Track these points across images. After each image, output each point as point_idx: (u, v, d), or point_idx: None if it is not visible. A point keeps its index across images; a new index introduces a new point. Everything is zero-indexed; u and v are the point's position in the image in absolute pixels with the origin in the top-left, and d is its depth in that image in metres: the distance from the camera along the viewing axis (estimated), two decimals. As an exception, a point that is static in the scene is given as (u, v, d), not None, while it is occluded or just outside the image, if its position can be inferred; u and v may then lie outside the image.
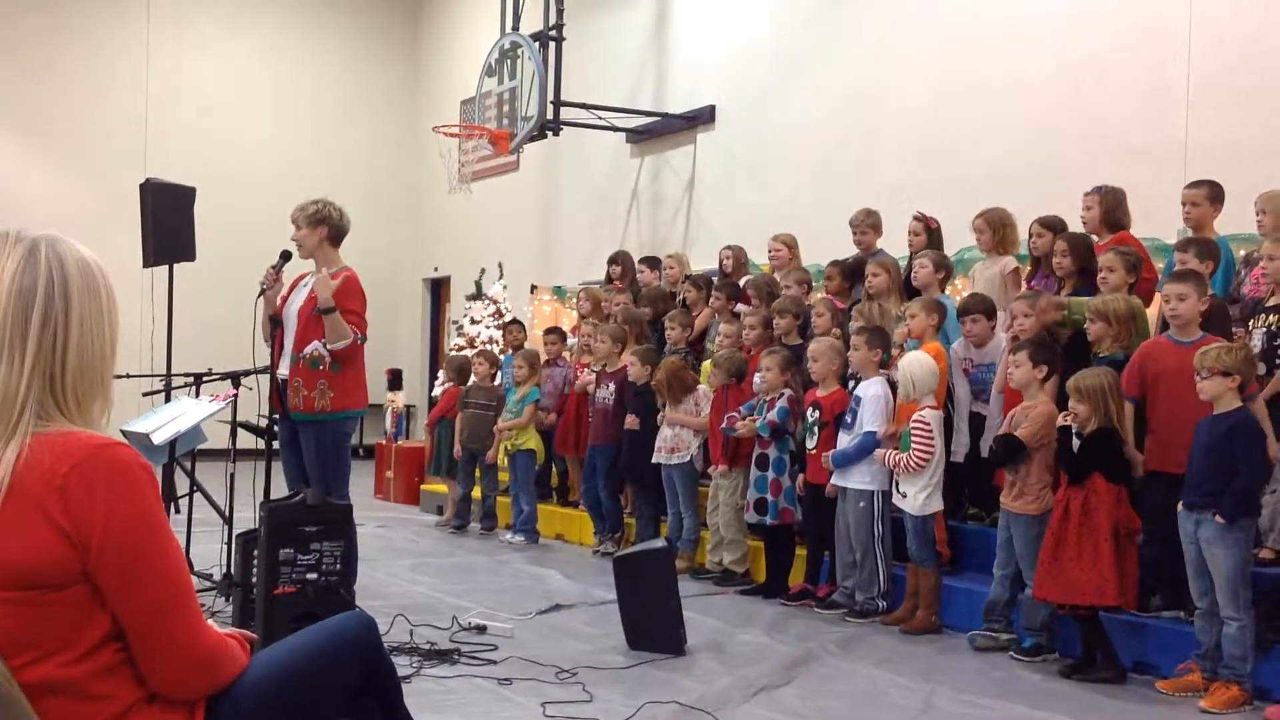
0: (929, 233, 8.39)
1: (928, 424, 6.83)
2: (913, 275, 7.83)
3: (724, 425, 8.03)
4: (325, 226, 6.70)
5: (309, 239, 6.71)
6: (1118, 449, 5.90)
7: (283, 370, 6.64)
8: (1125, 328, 6.27)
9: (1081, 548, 5.80)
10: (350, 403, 6.66)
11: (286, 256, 6.63)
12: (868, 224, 8.88)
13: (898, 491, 6.98)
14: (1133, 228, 7.37)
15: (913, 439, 6.82)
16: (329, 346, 6.47)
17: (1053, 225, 7.55)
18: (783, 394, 7.82)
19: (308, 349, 6.51)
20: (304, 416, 6.57)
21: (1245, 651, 5.33)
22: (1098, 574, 5.75)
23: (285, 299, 6.74)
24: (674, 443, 8.62)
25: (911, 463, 6.80)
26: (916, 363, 6.88)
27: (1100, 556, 5.76)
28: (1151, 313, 6.68)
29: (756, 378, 8.12)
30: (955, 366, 7.30)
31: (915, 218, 8.47)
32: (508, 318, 13.51)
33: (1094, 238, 7.32)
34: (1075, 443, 5.96)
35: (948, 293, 7.96)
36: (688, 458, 8.56)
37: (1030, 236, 7.68)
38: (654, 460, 8.73)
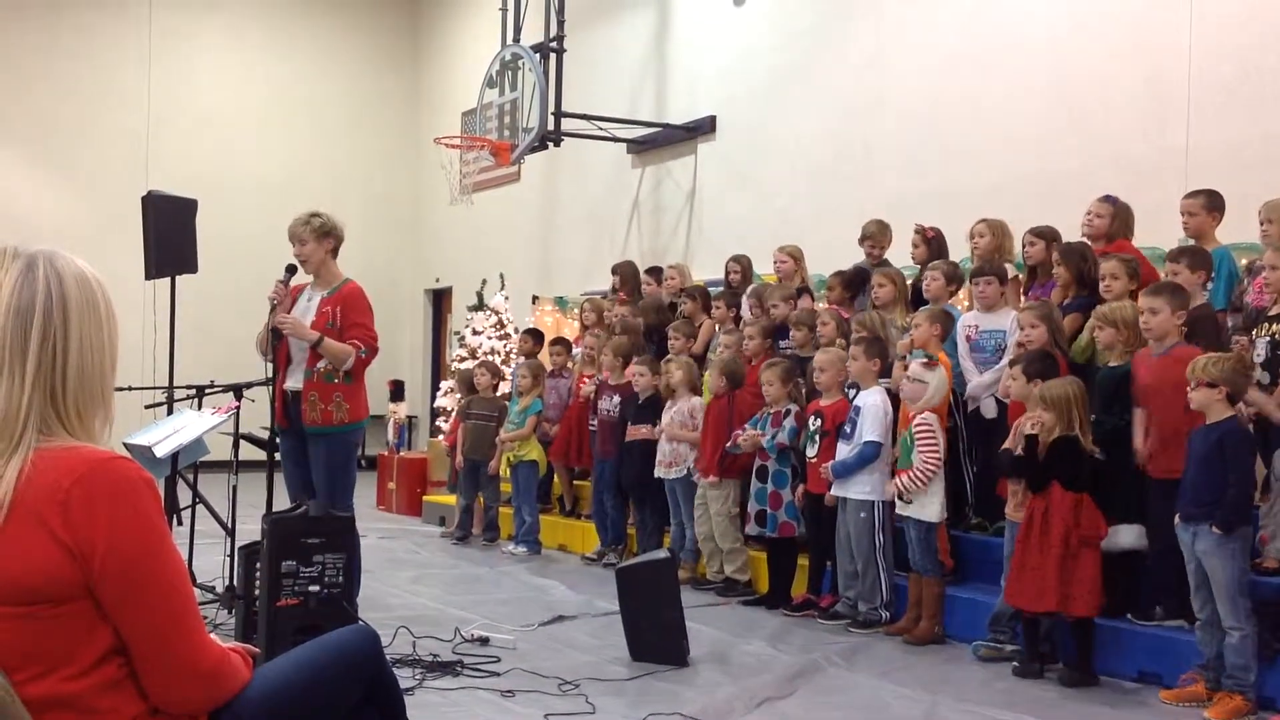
0: (927, 243, 8.42)
1: (930, 425, 6.85)
2: (924, 287, 7.83)
3: (729, 445, 8.02)
4: (331, 239, 6.69)
5: (316, 253, 6.66)
6: (1078, 457, 5.92)
7: (292, 384, 6.60)
8: (1134, 332, 6.28)
9: (1040, 556, 5.86)
10: (361, 414, 6.68)
11: (292, 270, 6.63)
12: (888, 237, 8.89)
13: (902, 500, 6.96)
14: (1133, 238, 7.40)
15: (917, 442, 6.82)
16: (341, 368, 6.48)
17: (1045, 234, 7.59)
18: (789, 410, 7.81)
19: (321, 363, 6.49)
20: (320, 429, 6.55)
21: (1248, 661, 5.32)
22: (1041, 580, 5.81)
23: (289, 313, 6.69)
24: (672, 457, 8.62)
25: (920, 472, 6.79)
26: (941, 374, 6.92)
27: (1046, 563, 5.81)
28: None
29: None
30: (960, 346, 7.36)
31: (915, 229, 8.50)
32: (509, 328, 13.54)
33: (1089, 243, 7.32)
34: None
35: (952, 302, 7.96)
36: (685, 470, 8.56)
37: (1024, 246, 7.71)
38: (656, 475, 8.74)
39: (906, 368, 7.09)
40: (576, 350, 10.91)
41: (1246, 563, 5.47)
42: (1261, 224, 6.62)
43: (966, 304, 8.05)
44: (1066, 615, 5.89)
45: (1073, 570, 5.82)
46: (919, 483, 6.80)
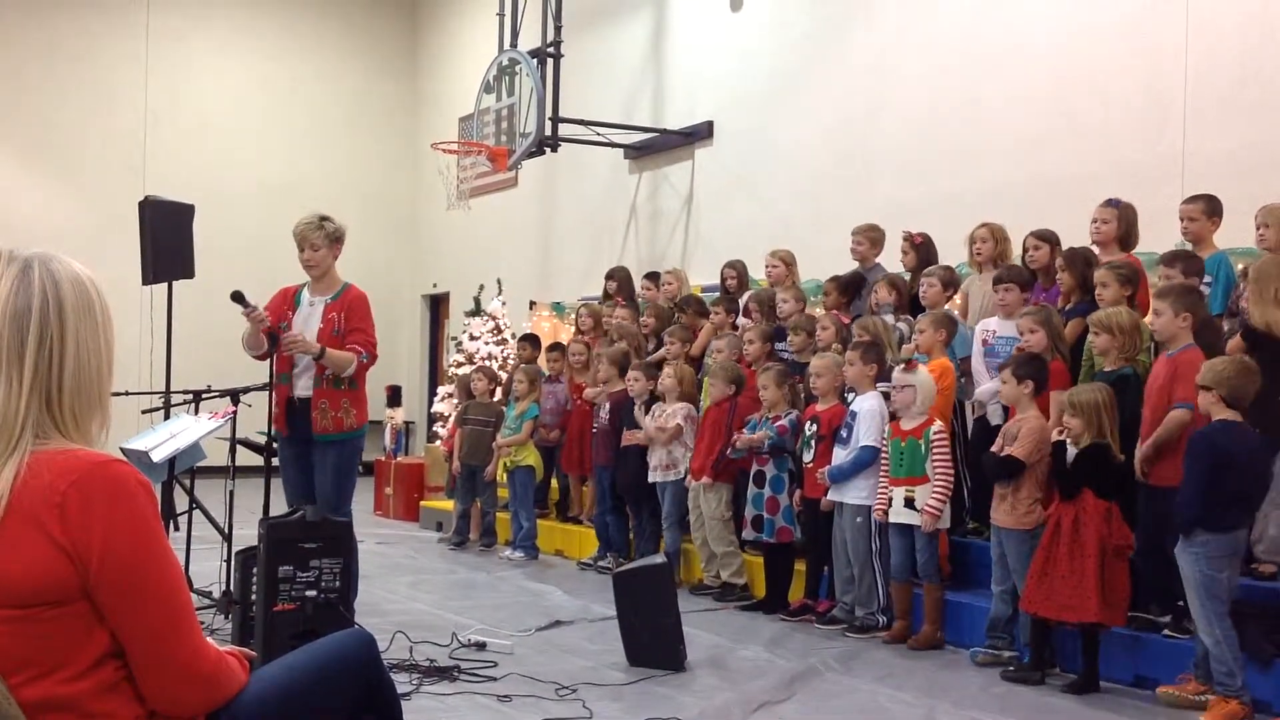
0: (915, 249, 8.44)
1: (945, 435, 6.87)
2: (921, 293, 7.84)
3: (730, 451, 8.01)
4: (339, 244, 6.67)
5: (326, 258, 6.60)
6: (1109, 465, 5.90)
7: (300, 391, 6.57)
8: (1130, 339, 6.27)
9: (1071, 564, 5.81)
10: (365, 418, 6.71)
11: (238, 297, 6.30)
12: (869, 237, 8.91)
13: (910, 508, 6.90)
14: (1139, 239, 7.39)
15: (934, 451, 6.81)
16: (343, 374, 6.48)
17: (1048, 238, 7.58)
18: (791, 413, 7.81)
19: (327, 370, 6.47)
20: (331, 436, 6.53)
21: (1230, 666, 5.28)
22: (1081, 591, 5.76)
23: (289, 320, 6.63)
24: (668, 460, 8.61)
25: (941, 486, 6.79)
26: (925, 375, 6.93)
27: (1085, 573, 5.76)
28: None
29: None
30: (975, 349, 7.35)
31: (903, 236, 8.52)
32: (507, 333, 13.53)
33: (1095, 250, 7.31)
34: (1071, 453, 5.96)
35: (949, 306, 7.96)
36: (681, 474, 8.54)
37: (1025, 250, 7.70)
38: (650, 480, 8.74)
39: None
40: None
41: (1219, 568, 5.37)
42: (1259, 229, 6.64)
43: (960, 307, 8.06)
44: (1103, 626, 5.84)
45: (1109, 580, 5.79)
46: (943, 498, 6.80)
